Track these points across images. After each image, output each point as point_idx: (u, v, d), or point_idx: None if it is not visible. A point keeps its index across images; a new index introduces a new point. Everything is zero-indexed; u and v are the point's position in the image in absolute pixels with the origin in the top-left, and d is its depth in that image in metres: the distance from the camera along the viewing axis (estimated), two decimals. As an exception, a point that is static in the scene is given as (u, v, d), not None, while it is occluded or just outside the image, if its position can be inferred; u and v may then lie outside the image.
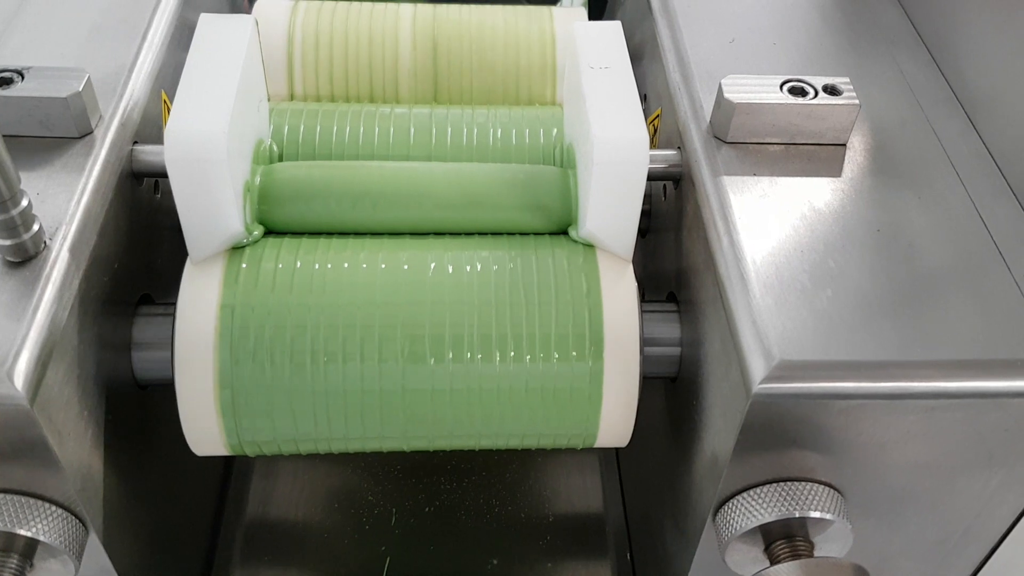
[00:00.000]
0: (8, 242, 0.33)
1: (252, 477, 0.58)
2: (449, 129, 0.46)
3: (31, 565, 0.35)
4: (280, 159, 0.44)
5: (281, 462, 0.58)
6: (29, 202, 0.33)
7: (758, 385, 0.32)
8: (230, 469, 0.58)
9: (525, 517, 0.57)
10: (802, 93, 0.40)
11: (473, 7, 0.54)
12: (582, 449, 0.60)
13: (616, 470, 0.60)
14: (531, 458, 0.60)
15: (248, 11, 0.61)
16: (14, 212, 0.33)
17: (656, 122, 0.47)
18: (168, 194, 0.44)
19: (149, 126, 0.42)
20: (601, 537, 0.56)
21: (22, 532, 0.34)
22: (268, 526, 0.55)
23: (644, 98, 0.51)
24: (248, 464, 0.58)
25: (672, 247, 0.44)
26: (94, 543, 0.37)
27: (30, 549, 0.35)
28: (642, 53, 0.51)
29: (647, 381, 0.41)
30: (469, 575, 0.54)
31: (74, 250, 0.35)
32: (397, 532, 0.55)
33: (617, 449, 0.60)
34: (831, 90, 0.40)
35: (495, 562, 0.54)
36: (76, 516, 0.35)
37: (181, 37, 0.47)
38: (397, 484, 0.57)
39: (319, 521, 0.56)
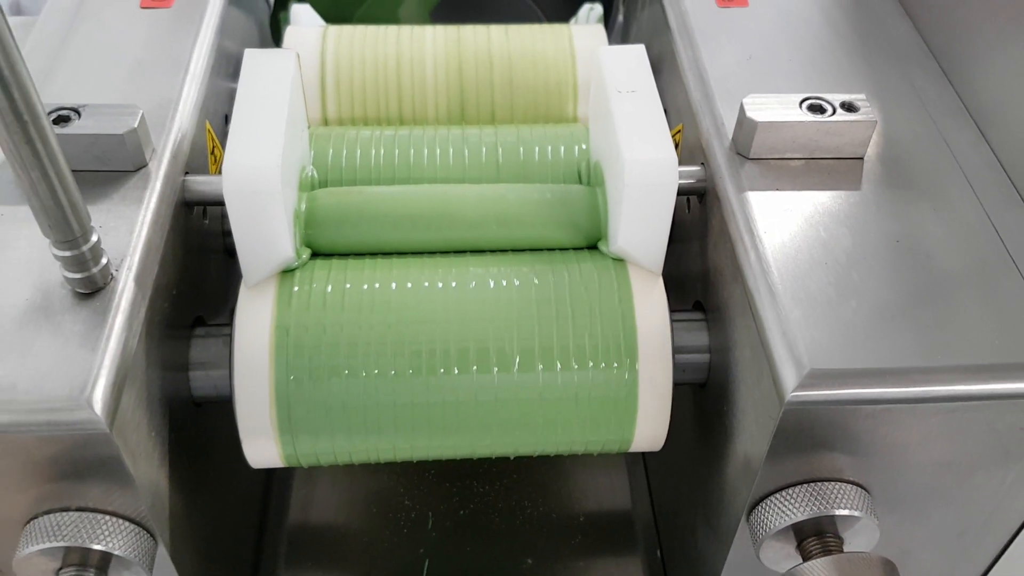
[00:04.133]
0: (79, 275, 0.35)
1: (293, 485, 0.60)
2: (482, 149, 0.48)
3: (105, 577, 0.37)
4: (321, 185, 0.46)
5: (321, 470, 0.60)
6: (98, 238, 0.35)
7: (791, 393, 0.34)
8: (272, 478, 0.60)
9: (556, 517, 0.59)
10: (820, 110, 0.42)
11: (493, 27, 0.56)
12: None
13: (643, 469, 0.62)
14: (559, 459, 0.62)
15: (270, 29, 0.63)
16: (85, 248, 0.35)
17: (678, 137, 0.49)
18: (215, 219, 0.47)
19: (197, 156, 0.44)
20: (631, 535, 0.58)
21: (98, 547, 0.36)
22: (310, 531, 0.57)
23: (664, 112, 0.53)
24: (289, 473, 0.60)
25: (697, 258, 0.45)
26: (161, 554, 0.39)
27: (105, 563, 0.37)
28: (660, 68, 0.53)
29: (676, 387, 0.44)
30: (505, 574, 0.56)
31: (139, 280, 0.37)
32: (434, 535, 0.57)
33: (645, 457, 0.62)
34: (848, 107, 0.42)
35: (529, 561, 0.56)
36: (147, 530, 0.37)
37: (219, 66, 0.49)
38: (432, 488, 0.59)
39: (358, 526, 0.58)
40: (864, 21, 0.51)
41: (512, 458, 0.61)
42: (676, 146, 0.50)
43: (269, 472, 0.60)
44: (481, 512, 0.58)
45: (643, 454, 0.62)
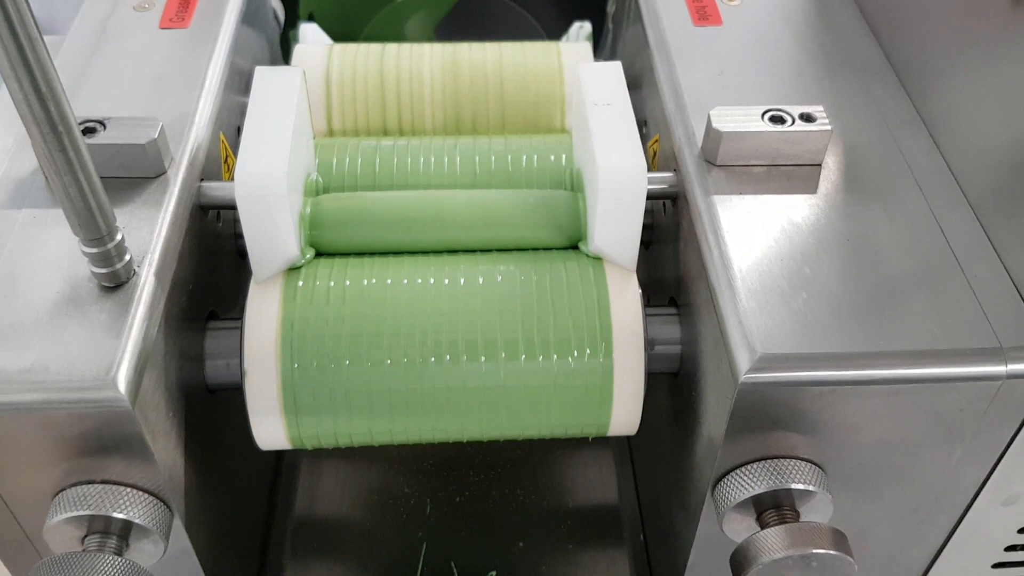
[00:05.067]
0: (105, 270, 0.39)
1: (300, 474, 0.63)
2: (475, 157, 0.52)
3: (127, 545, 0.41)
4: (325, 190, 0.50)
5: (326, 461, 0.64)
6: (122, 236, 0.39)
7: (744, 376, 0.38)
8: (280, 467, 0.64)
9: (547, 505, 0.62)
10: (781, 121, 0.45)
11: (488, 45, 0.60)
12: (598, 444, 0.66)
13: (629, 463, 0.65)
14: (551, 453, 0.65)
15: (281, 47, 0.67)
16: (110, 245, 0.39)
17: (655, 146, 0.53)
18: (228, 222, 0.51)
19: (212, 164, 0.48)
20: (616, 521, 0.61)
21: (119, 515, 0.40)
22: (315, 516, 0.61)
23: (644, 123, 0.57)
24: (296, 463, 0.64)
25: (671, 257, 0.49)
26: (177, 526, 0.43)
27: (126, 531, 0.41)
28: (640, 82, 0.57)
29: (653, 377, 0.47)
30: (498, 557, 0.59)
31: (159, 275, 0.41)
32: (432, 520, 0.60)
33: (630, 444, 0.66)
34: (806, 118, 0.45)
35: (521, 545, 0.60)
36: (164, 502, 0.41)
37: (233, 82, 0.53)
38: (430, 477, 0.63)
39: (361, 512, 0.61)
40: (830, 38, 0.55)
41: (505, 451, 0.65)
42: (653, 155, 0.53)
43: (277, 462, 0.64)
44: (476, 499, 0.62)
45: (630, 448, 0.66)
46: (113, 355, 0.37)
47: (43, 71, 0.32)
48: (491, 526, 0.61)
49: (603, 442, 0.67)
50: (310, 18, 0.84)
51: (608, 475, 0.65)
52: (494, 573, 0.58)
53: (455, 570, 0.59)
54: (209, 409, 0.47)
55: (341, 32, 0.87)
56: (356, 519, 0.61)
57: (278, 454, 0.64)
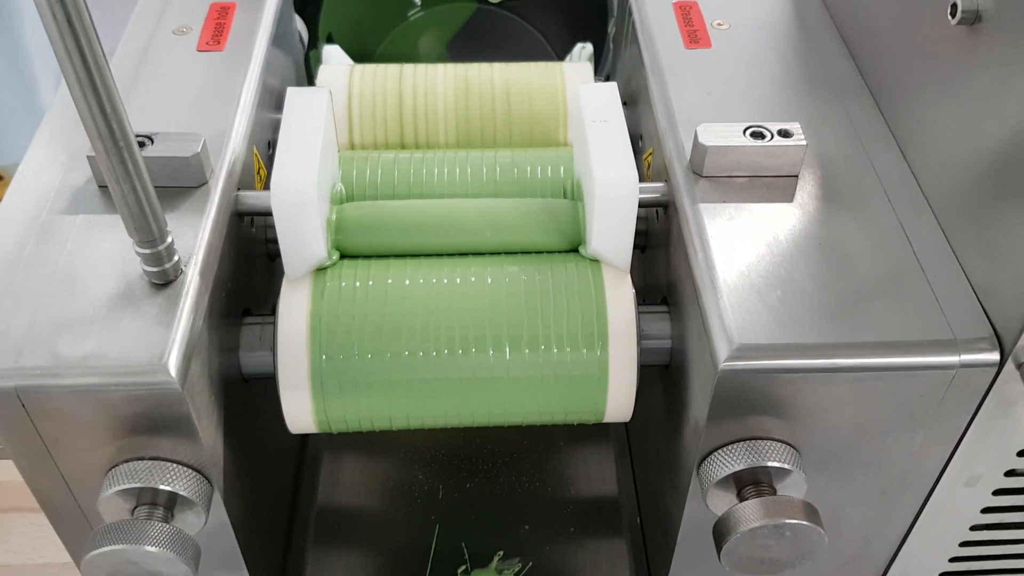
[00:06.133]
0: (155, 269, 0.44)
1: (321, 464, 0.68)
2: (483, 169, 0.57)
3: (172, 516, 0.46)
4: (348, 199, 0.55)
5: (346, 451, 0.69)
6: (172, 239, 0.44)
7: (723, 364, 0.42)
8: (303, 457, 0.69)
9: (550, 492, 0.67)
10: (761, 136, 0.50)
11: (496, 65, 0.65)
12: (600, 437, 0.71)
13: (628, 456, 0.70)
14: (555, 443, 0.70)
15: (304, 63, 0.72)
16: (161, 247, 0.43)
17: (649, 159, 0.58)
18: (259, 228, 0.56)
19: (247, 175, 0.53)
20: (615, 507, 0.66)
21: (165, 488, 0.45)
22: (336, 501, 0.66)
23: (640, 137, 0.61)
24: (318, 454, 0.69)
25: (663, 260, 0.54)
26: (215, 501, 0.48)
27: (172, 502, 0.46)
28: (637, 100, 0.62)
29: (646, 369, 0.52)
30: (505, 539, 0.64)
31: (203, 274, 0.45)
32: (444, 504, 0.65)
33: (628, 437, 0.70)
34: (784, 133, 0.50)
35: (526, 528, 0.64)
36: (206, 477, 0.46)
37: (263, 100, 0.58)
38: (442, 465, 0.68)
39: (379, 498, 0.66)
40: (811, 60, 0.59)
41: (512, 441, 0.70)
42: (648, 166, 0.58)
43: (302, 449, 0.69)
44: (485, 485, 0.66)
45: (629, 443, 0.70)
46: (164, 344, 0.42)
47: (108, 95, 0.37)
48: (498, 511, 0.65)
49: (604, 436, 0.71)
50: (329, 38, 0.89)
51: (608, 465, 0.69)
52: (501, 553, 0.63)
53: (465, 550, 0.63)
54: (243, 397, 0.52)
55: (357, 50, 0.92)
56: (374, 504, 0.66)
57: (301, 446, 0.69)
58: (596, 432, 0.71)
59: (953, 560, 0.55)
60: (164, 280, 0.44)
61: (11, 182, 0.54)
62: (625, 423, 0.71)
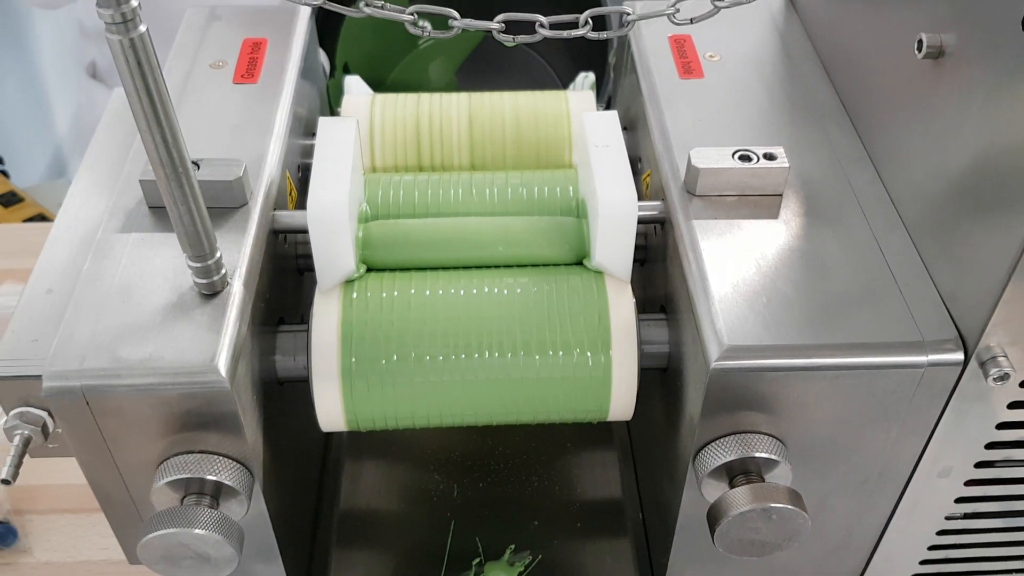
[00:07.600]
0: (205, 281, 0.49)
1: (343, 467, 0.73)
2: (494, 190, 0.62)
3: (217, 504, 0.51)
4: (373, 218, 0.60)
5: (366, 455, 0.74)
6: (220, 254, 0.49)
7: (714, 363, 0.47)
8: (327, 459, 0.74)
9: (558, 490, 0.71)
10: (748, 159, 0.55)
11: (505, 94, 0.70)
12: (605, 440, 0.75)
13: (631, 458, 0.75)
14: (562, 446, 0.75)
15: (326, 93, 0.78)
16: (211, 261, 0.48)
17: (647, 179, 0.63)
18: (291, 244, 0.61)
19: (280, 197, 0.58)
20: (618, 502, 0.71)
21: (212, 478, 0.49)
22: (357, 500, 0.71)
23: (639, 160, 0.67)
24: (340, 456, 0.74)
25: (661, 272, 0.59)
26: (256, 492, 0.52)
27: (218, 491, 0.50)
28: (636, 125, 0.67)
29: (646, 372, 0.57)
30: (516, 533, 0.68)
31: (246, 286, 0.50)
32: (459, 501, 0.70)
33: (630, 433, 0.75)
34: (769, 156, 0.55)
35: (536, 524, 0.69)
36: (248, 469, 0.51)
37: (295, 128, 0.63)
38: (457, 465, 0.72)
39: (398, 497, 0.71)
40: (795, 88, 0.64)
41: (522, 444, 0.74)
42: (646, 186, 0.63)
43: (325, 452, 0.74)
44: (497, 484, 0.71)
45: (630, 439, 0.75)
46: (215, 348, 0.47)
47: (171, 128, 0.42)
48: (510, 508, 0.70)
49: (608, 440, 0.76)
50: (345, 68, 0.95)
51: (612, 467, 0.74)
52: (513, 547, 0.68)
53: (479, 545, 0.68)
54: (279, 398, 0.57)
55: (371, 77, 0.97)
56: (393, 504, 0.71)
57: (324, 451, 0.74)
58: (601, 436, 0.76)
59: (932, 548, 0.60)
60: (212, 291, 0.49)
61: (61, 207, 0.59)
62: (627, 424, 0.76)
